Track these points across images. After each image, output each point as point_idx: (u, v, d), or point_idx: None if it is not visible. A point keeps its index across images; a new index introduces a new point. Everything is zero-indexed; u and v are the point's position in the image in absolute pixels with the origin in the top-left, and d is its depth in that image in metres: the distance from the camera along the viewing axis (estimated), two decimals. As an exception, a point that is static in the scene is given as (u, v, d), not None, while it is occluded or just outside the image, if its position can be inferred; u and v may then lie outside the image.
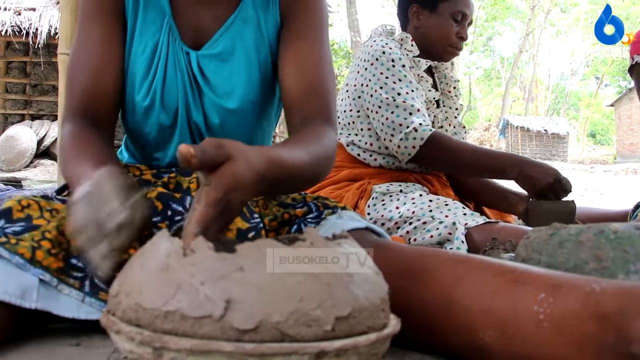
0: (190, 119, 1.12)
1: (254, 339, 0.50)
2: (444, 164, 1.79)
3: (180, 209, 0.96)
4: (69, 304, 0.81)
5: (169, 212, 0.95)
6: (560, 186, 1.62)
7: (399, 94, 1.73)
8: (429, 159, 1.74)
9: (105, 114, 1.05)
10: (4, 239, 0.79)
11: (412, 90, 1.76)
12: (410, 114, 1.71)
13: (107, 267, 0.63)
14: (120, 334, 0.53)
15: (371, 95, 1.77)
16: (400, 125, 1.70)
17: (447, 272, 0.75)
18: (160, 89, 1.08)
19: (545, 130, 23.31)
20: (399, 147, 1.71)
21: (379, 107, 1.75)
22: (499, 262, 0.75)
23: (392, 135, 1.72)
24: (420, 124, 1.69)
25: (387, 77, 1.76)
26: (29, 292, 0.77)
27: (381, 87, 1.75)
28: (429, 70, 1.99)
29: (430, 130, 1.69)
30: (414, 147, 1.69)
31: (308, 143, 0.93)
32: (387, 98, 1.73)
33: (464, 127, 2.05)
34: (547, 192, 1.62)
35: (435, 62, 1.98)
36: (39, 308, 0.78)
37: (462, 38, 1.91)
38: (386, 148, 1.81)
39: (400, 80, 1.76)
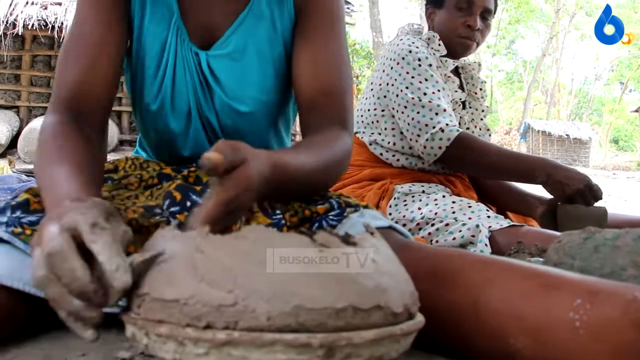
0: (204, 122, 1.10)
1: (401, 320, 0.56)
2: (471, 165, 1.75)
3: (200, 200, 0.95)
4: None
5: (188, 203, 0.95)
6: (591, 193, 1.59)
7: (425, 93, 1.70)
8: (455, 160, 1.71)
9: (96, 109, 0.98)
10: (19, 230, 0.79)
11: (439, 90, 1.73)
12: (437, 114, 1.68)
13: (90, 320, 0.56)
14: (282, 342, 0.50)
15: (397, 95, 1.75)
16: (427, 125, 1.68)
17: (476, 274, 0.73)
18: (170, 93, 1.06)
19: (567, 135, 23.02)
20: (424, 147, 1.69)
21: (405, 107, 1.72)
22: (530, 266, 0.73)
23: (418, 135, 1.69)
24: (447, 125, 1.66)
25: (413, 77, 1.74)
26: (44, 281, 0.76)
27: (407, 87, 1.73)
28: (456, 71, 1.96)
29: (457, 130, 1.66)
30: (440, 147, 1.67)
31: (319, 149, 0.94)
32: (413, 98, 1.70)
33: (489, 129, 2.00)
34: (577, 197, 1.59)
35: (462, 62, 1.94)
36: None
37: (470, 26, 1.83)
38: (410, 148, 1.78)
39: (426, 80, 1.73)
